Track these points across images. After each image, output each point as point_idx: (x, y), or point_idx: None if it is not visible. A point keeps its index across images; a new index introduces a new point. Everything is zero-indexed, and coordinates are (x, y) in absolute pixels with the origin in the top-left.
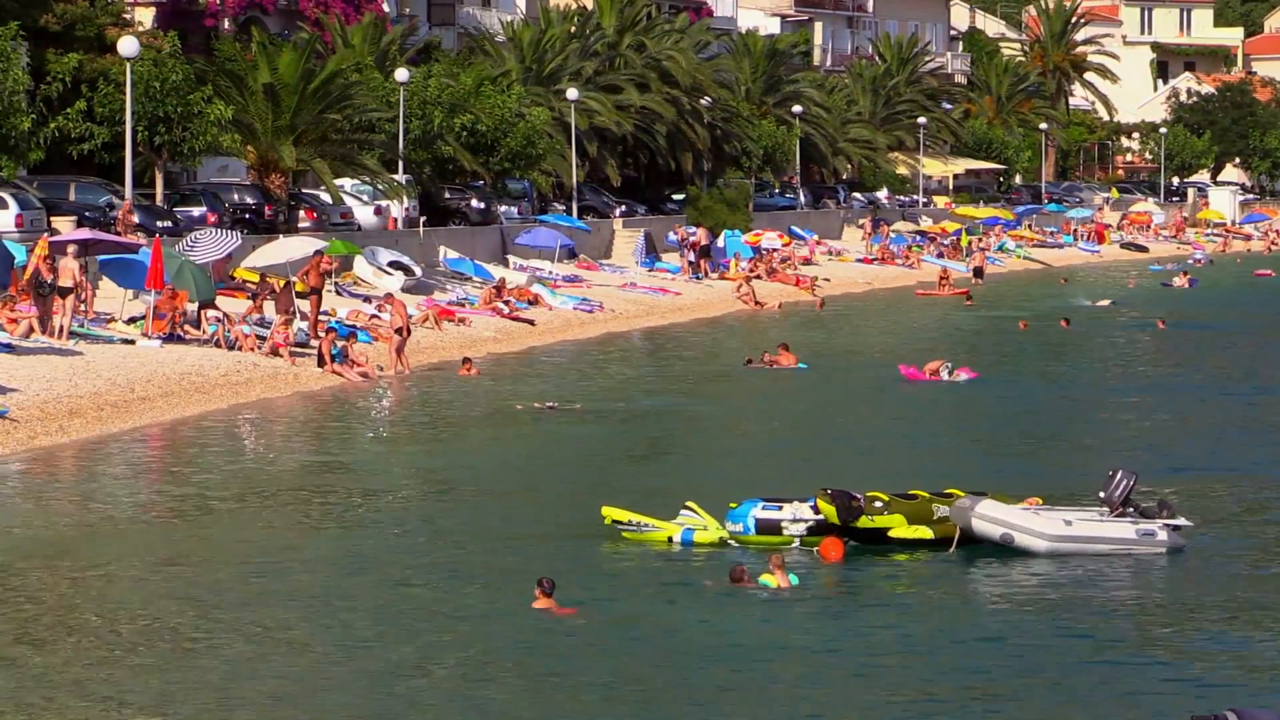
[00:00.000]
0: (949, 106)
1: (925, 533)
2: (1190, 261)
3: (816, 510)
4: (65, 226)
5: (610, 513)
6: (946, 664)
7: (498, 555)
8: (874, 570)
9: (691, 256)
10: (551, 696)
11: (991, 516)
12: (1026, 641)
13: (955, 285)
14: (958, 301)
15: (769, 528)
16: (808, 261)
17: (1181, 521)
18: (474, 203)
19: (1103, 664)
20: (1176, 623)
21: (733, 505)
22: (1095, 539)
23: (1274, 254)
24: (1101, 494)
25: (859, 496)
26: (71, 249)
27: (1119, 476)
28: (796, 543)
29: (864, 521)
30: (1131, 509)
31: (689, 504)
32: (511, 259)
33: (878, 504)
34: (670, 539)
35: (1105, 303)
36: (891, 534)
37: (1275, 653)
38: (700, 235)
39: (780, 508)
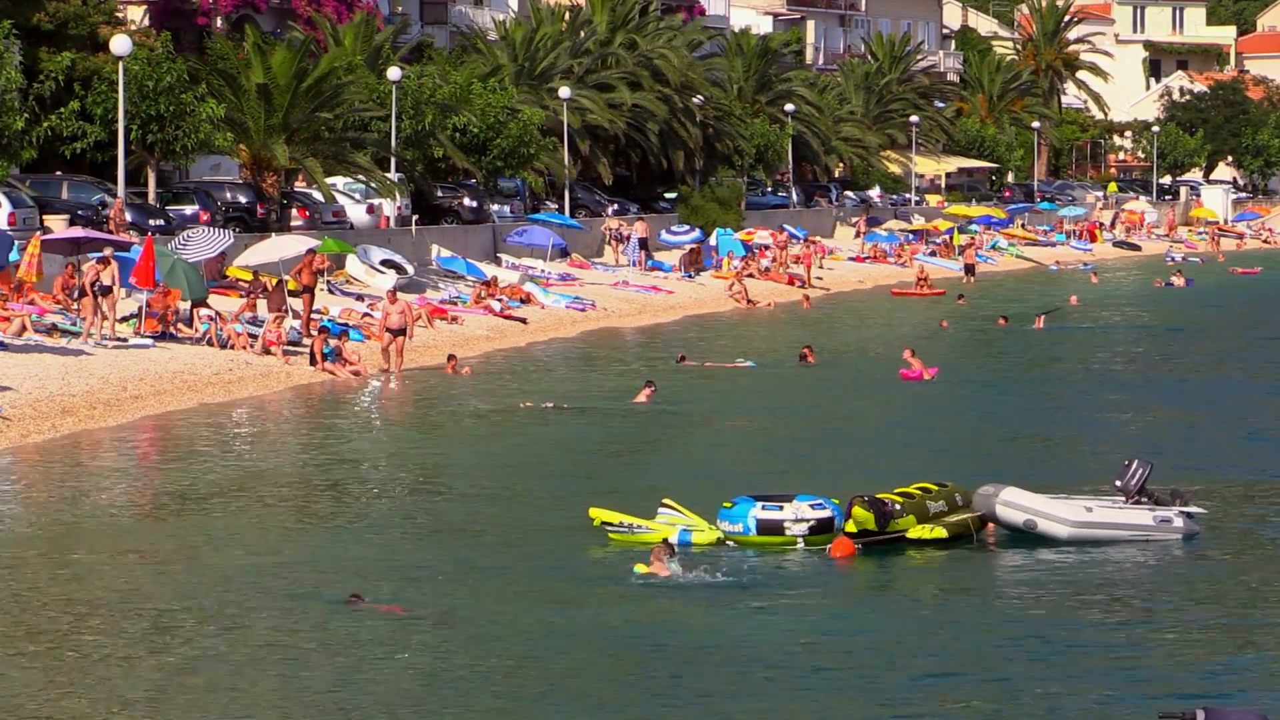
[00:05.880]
0: (941, 105)
1: (940, 532)
2: (1167, 262)
3: (831, 516)
4: (58, 225)
5: (598, 514)
6: (910, 660)
7: (479, 554)
8: (857, 565)
9: (625, 249)
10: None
11: (1015, 503)
12: (993, 635)
13: (933, 286)
14: (936, 301)
15: (771, 528)
16: (799, 260)
17: (1196, 509)
18: (466, 201)
19: (1076, 659)
20: (1154, 617)
21: (726, 504)
22: (1115, 525)
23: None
24: (1118, 482)
25: (889, 502)
26: (108, 250)
27: (1135, 465)
28: (800, 543)
29: (891, 525)
30: (1146, 498)
31: (666, 501)
32: (504, 257)
33: (896, 506)
34: (665, 541)
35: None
36: (909, 534)
37: (1251, 650)
38: (638, 228)
39: (781, 507)
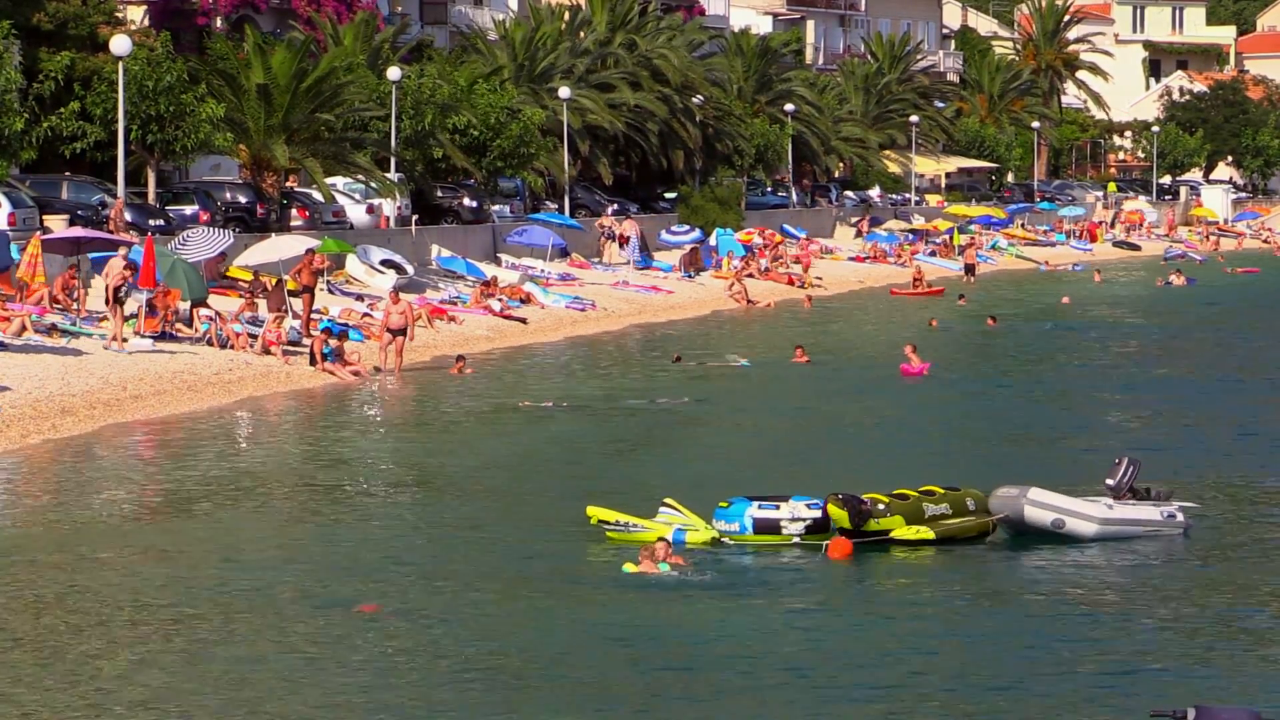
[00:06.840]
0: (941, 105)
1: (927, 533)
2: (1163, 262)
3: (825, 515)
4: (58, 225)
5: (595, 513)
6: (905, 659)
7: (480, 554)
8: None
9: (625, 249)
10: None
11: (1043, 503)
12: (986, 634)
13: (931, 285)
14: (933, 301)
15: (767, 527)
16: (799, 260)
17: (1183, 504)
18: (466, 201)
19: (1069, 657)
20: (1146, 615)
21: (723, 504)
22: (1132, 522)
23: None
24: (1109, 481)
25: (866, 501)
26: (124, 250)
27: (1125, 463)
28: (796, 541)
29: (870, 525)
30: (1134, 495)
31: (667, 500)
32: (504, 257)
33: (879, 506)
34: (661, 539)
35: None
36: (894, 535)
37: (1243, 648)
38: (626, 227)
39: (778, 506)
